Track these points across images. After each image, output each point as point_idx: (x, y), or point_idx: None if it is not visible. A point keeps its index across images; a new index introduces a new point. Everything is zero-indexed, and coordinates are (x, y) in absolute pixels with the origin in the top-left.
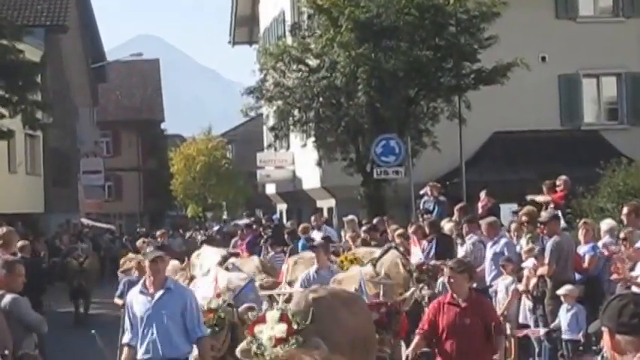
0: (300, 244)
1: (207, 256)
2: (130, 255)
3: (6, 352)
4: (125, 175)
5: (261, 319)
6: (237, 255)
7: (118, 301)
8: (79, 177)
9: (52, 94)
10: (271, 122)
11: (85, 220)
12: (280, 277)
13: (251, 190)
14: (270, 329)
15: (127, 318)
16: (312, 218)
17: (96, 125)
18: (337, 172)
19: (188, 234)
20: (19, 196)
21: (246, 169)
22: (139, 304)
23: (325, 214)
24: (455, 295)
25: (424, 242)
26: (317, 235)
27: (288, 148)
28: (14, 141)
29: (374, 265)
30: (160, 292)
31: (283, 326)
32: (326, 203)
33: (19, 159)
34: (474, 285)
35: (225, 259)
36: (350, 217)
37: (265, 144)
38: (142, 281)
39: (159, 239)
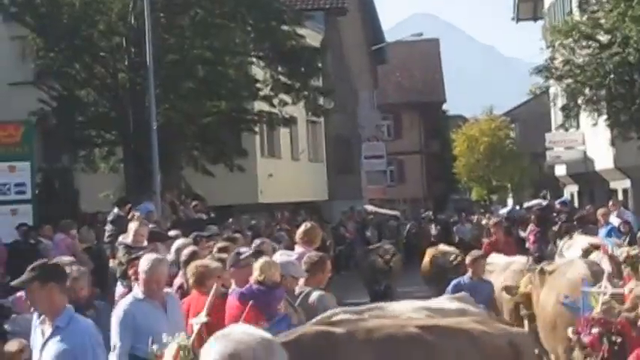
0: (603, 232)
1: (574, 248)
2: (443, 247)
3: None
4: (407, 159)
5: (161, 355)
6: (597, 248)
7: None
8: (361, 162)
9: (333, 79)
10: (560, 101)
11: (368, 207)
12: None
13: (536, 171)
14: None
15: None
16: (610, 202)
17: (376, 108)
18: (632, 151)
19: (474, 218)
20: (302, 183)
21: (530, 149)
22: (38, 341)
23: (620, 196)
24: None
25: None
26: (614, 221)
27: (577, 127)
28: (296, 128)
29: None
30: (50, 330)
31: None
32: (620, 184)
33: (301, 146)
34: None
35: (587, 252)
36: None
37: (553, 124)
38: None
39: (491, 230)
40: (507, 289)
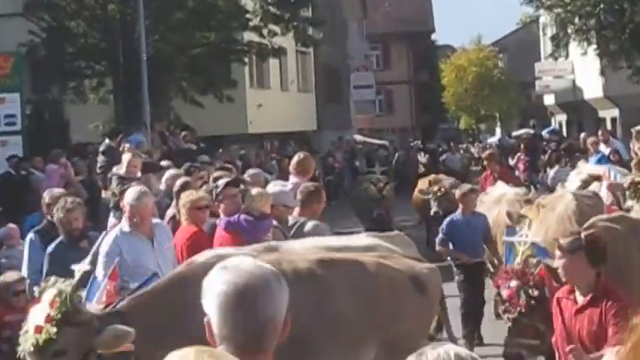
0: (593, 160)
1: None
2: (443, 176)
3: None
4: (396, 89)
5: (38, 299)
6: (598, 179)
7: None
8: (350, 92)
9: (323, 9)
10: (550, 31)
11: (357, 137)
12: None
13: (524, 100)
14: (40, 312)
15: None
16: (599, 132)
17: (365, 39)
18: (621, 80)
19: (463, 147)
20: (291, 114)
21: (518, 79)
22: None
23: (608, 125)
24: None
25: None
26: (604, 150)
27: (567, 57)
28: (286, 59)
29: None
30: None
31: (46, 309)
32: (608, 113)
33: (291, 77)
34: None
35: (586, 183)
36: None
37: (542, 53)
38: None
39: (485, 162)
40: (509, 214)
